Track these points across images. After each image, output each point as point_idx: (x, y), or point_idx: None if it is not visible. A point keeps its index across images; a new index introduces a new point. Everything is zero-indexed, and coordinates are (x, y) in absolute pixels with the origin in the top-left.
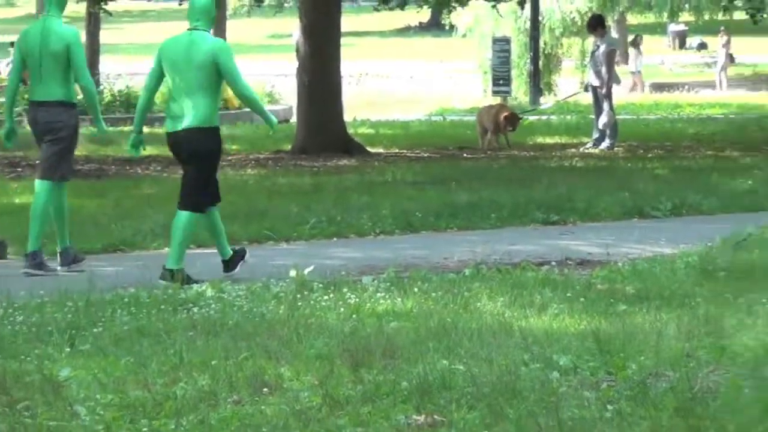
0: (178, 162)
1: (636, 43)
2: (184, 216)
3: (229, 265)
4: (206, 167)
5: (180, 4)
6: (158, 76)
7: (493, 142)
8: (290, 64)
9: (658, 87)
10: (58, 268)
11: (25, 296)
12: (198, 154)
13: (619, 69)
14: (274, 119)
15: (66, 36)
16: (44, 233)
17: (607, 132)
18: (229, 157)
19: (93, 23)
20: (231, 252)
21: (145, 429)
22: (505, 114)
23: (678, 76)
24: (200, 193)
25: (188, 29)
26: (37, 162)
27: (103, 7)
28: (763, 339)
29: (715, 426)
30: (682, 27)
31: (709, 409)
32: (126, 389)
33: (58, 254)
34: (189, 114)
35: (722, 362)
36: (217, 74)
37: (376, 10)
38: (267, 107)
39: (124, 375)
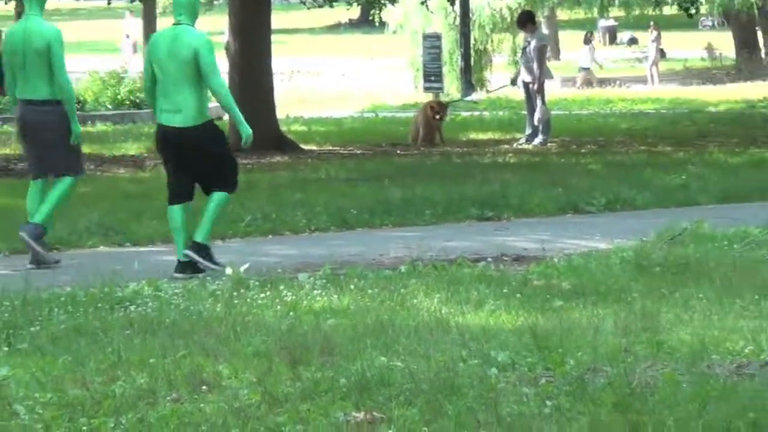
0: (163, 156)
1: (588, 40)
2: (217, 194)
3: (184, 268)
4: (224, 153)
5: (109, 3)
6: (153, 75)
7: (427, 138)
8: (221, 61)
9: (590, 82)
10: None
11: None
12: (209, 149)
13: (551, 64)
14: (247, 130)
15: (47, 34)
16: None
17: (540, 128)
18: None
19: None
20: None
21: (84, 427)
22: (431, 104)
23: (609, 71)
24: (237, 172)
25: (173, 24)
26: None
27: None
28: (700, 333)
29: (653, 421)
30: (612, 22)
31: (647, 404)
32: (64, 388)
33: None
34: (180, 111)
35: (659, 357)
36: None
37: (304, 4)
38: None
39: (62, 374)
